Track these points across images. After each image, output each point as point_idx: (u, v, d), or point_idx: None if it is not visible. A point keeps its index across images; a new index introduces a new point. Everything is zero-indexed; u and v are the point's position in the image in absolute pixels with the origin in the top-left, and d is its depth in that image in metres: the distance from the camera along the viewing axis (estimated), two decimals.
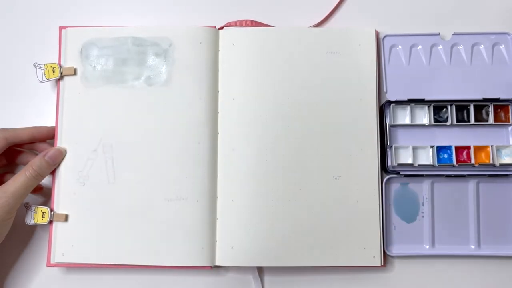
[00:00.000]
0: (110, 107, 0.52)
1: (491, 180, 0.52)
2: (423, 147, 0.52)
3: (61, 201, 0.51)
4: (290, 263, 0.50)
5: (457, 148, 0.52)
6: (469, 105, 0.52)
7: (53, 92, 0.55)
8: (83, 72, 0.52)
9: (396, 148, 0.52)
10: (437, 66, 0.53)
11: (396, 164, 0.52)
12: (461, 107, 0.53)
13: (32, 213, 0.50)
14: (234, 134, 0.52)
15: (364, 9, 0.57)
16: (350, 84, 0.52)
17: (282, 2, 0.57)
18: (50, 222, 0.50)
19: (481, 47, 0.54)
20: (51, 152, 0.50)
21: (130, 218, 0.50)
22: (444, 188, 0.53)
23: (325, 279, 0.52)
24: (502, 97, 0.52)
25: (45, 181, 0.52)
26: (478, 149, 0.52)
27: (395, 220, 0.52)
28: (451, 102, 0.52)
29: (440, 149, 0.52)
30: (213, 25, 0.54)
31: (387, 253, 0.51)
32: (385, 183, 0.52)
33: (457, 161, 0.51)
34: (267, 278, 0.52)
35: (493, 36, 0.54)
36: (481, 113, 0.53)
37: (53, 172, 0.51)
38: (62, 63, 0.53)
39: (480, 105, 0.53)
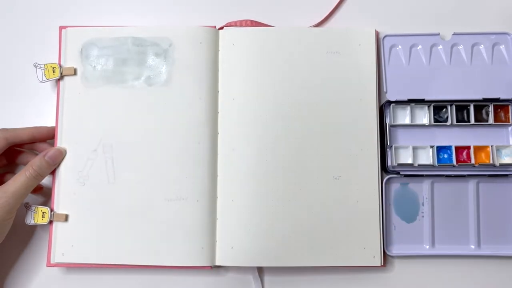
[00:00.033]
0: (110, 107, 0.52)
1: (491, 180, 0.52)
2: (423, 147, 0.52)
3: (61, 201, 0.51)
4: (290, 263, 0.50)
5: (457, 148, 0.52)
6: (469, 105, 0.52)
7: (53, 92, 0.55)
8: (83, 72, 0.52)
9: (396, 148, 0.52)
10: (437, 66, 0.53)
11: (396, 164, 0.52)
12: (461, 107, 0.53)
13: (32, 213, 0.50)
14: (234, 134, 0.52)
15: (364, 9, 0.57)
16: (350, 84, 0.52)
17: (282, 2, 0.57)
18: (50, 222, 0.50)
19: (481, 47, 0.54)
20: (51, 152, 0.50)
21: (130, 218, 0.50)
22: (444, 188, 0.53)
23: (325, 279, 0.52)
24: (502, 97, 0.52)
25: (45, 181, 0.52)
26: (478, 149, 0.52)
27: (395, 220, 0.52)
28: (451, 102, 0.52)
29: (440, 149, 0.52)
30: (213, 25, 0.54)
31: (387, 253, 0.51)
32: (385, 183, 0.52)
33: (457, 161, 0.51)
34: (267, 278, 0.52)
35: (493, 36, 0.54)
36: (481, 113, 0.53)
37: (53, 172, 0.51)
38: (62, 63, 0.53)
39: (480, 105, 0.53)
